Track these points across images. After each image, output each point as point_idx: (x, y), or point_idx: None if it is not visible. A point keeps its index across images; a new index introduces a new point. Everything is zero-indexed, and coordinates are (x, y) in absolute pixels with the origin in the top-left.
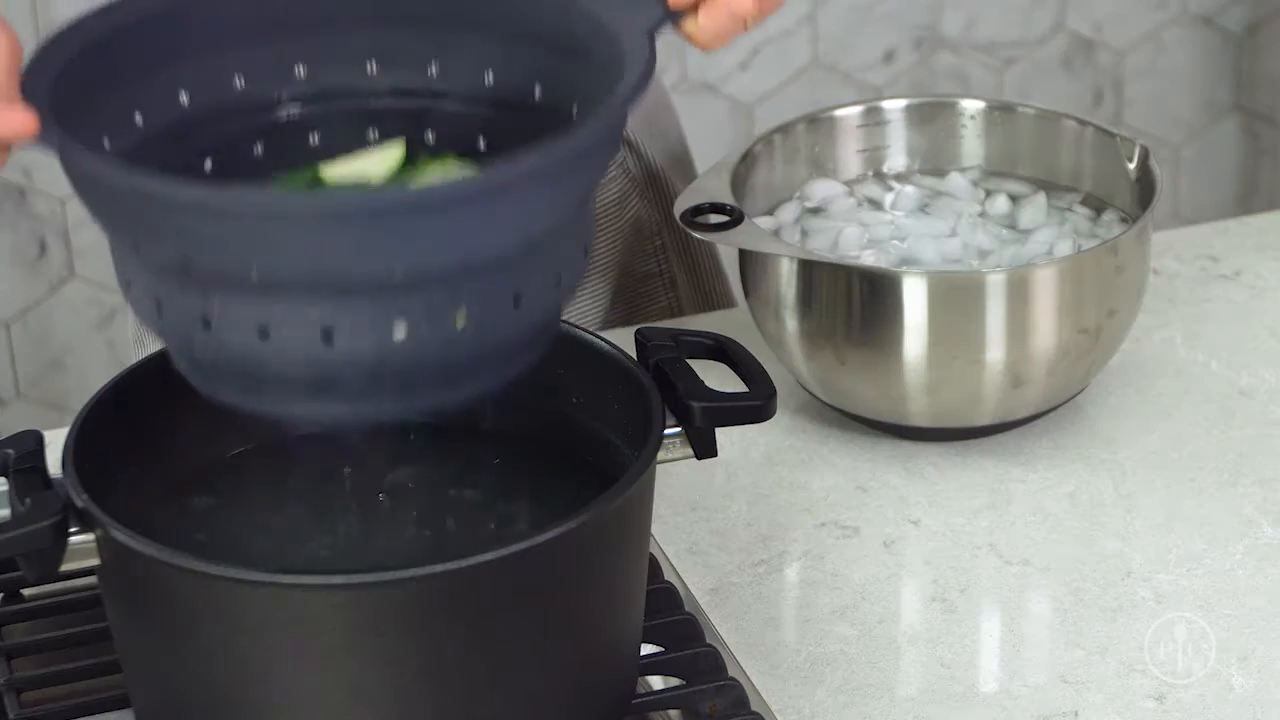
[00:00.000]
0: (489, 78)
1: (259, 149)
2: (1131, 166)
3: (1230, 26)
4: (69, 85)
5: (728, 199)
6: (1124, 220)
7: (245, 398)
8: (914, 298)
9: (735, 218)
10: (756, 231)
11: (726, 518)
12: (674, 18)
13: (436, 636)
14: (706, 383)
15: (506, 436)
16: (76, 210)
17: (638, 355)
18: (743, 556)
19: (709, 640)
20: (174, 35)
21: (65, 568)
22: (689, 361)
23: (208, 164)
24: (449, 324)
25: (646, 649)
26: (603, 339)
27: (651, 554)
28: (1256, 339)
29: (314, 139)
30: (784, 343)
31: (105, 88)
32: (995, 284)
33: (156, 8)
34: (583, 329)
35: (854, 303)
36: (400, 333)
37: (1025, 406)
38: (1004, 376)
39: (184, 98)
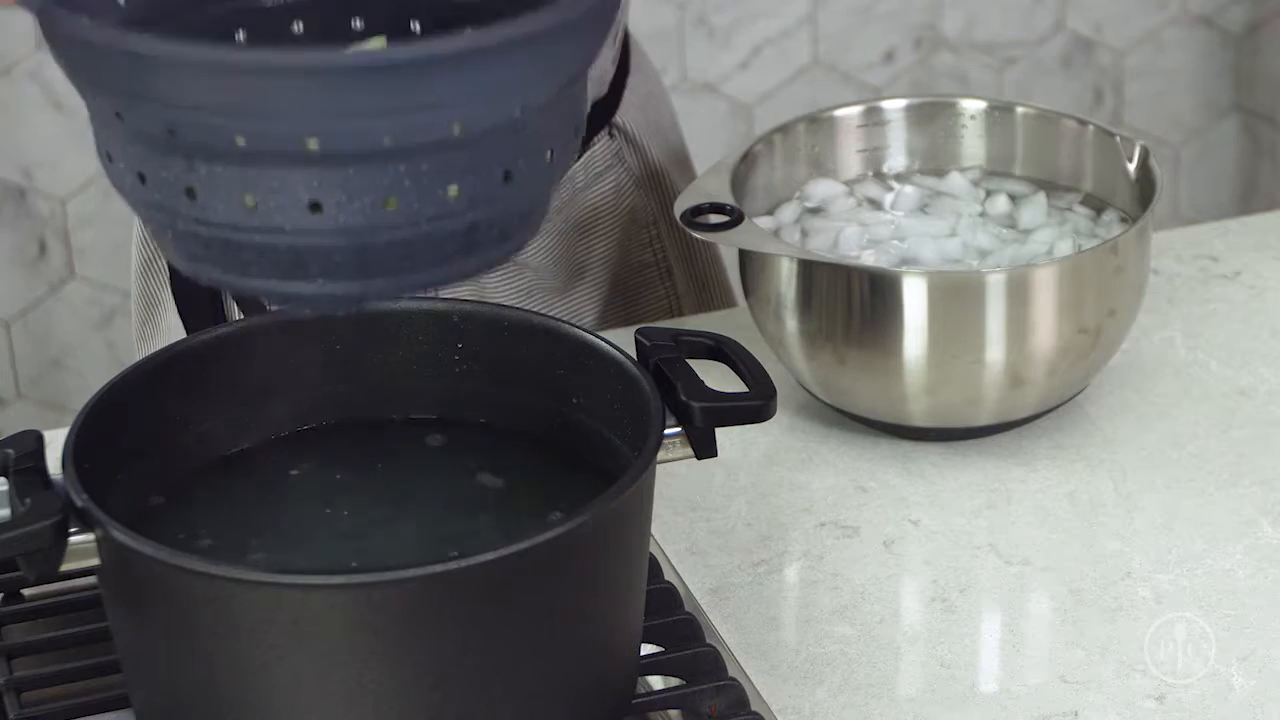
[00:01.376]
0: None
1: (240, 35)
2: (1131, 166)
3: (1230, 26)
4: None
5: (728, 199)
6: (1124, 220)
7: (228, 275)
8: (914, 298)
9: (735, 218)
10: (756, 231)
11: (726, 518)
12: None
13: (436, 636)
14: (706, 383)
15: (506, 436)
16: (76, 210)
17: (638, 355)
18: (743, 556)
19: (709, 640)
20: None
21: (65, 568)
22: (689, 361)
23: None
24: (439, 197)
25: (646, 649)
26: (603, 339)
27: (651, 554)
28: (1256, 339)
29: (297, 27)
30: (784, 343)
31: None
32: (995, 284)
33: None
34: (583, 329)
35: (854, 303)
36: (390, 204)
37: (1025, 406)
38: (1004, 376)
39: None
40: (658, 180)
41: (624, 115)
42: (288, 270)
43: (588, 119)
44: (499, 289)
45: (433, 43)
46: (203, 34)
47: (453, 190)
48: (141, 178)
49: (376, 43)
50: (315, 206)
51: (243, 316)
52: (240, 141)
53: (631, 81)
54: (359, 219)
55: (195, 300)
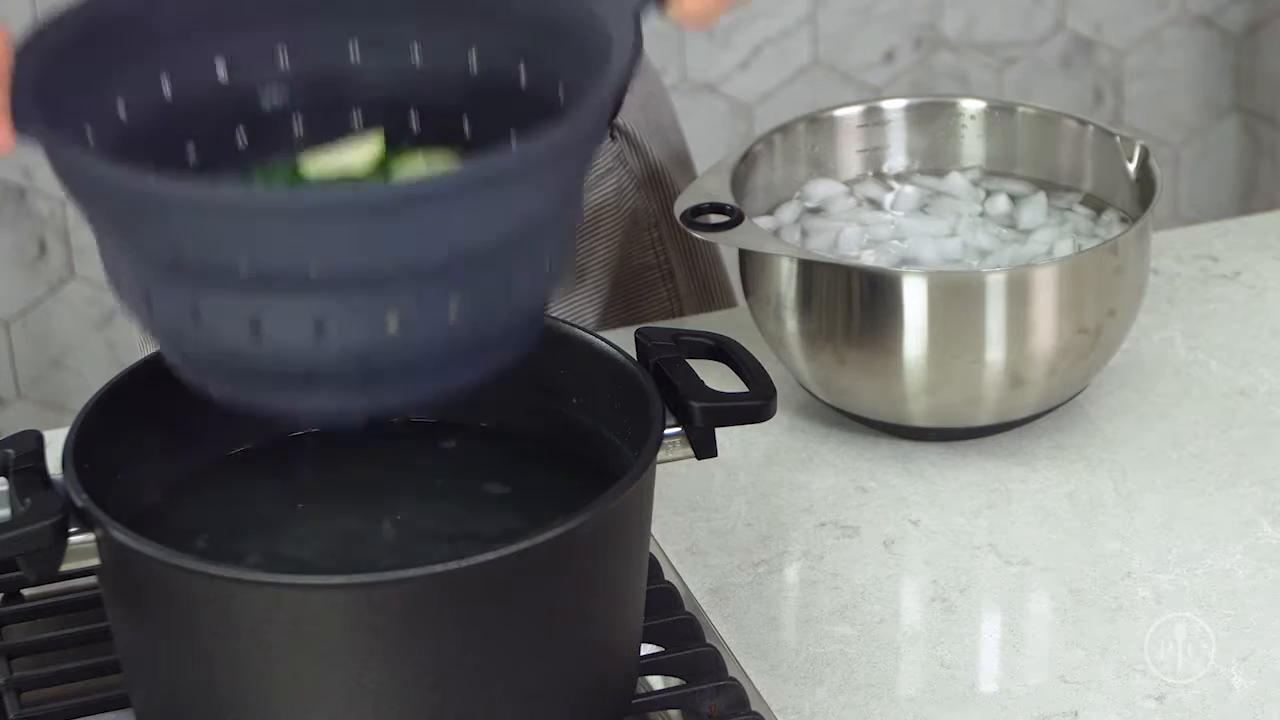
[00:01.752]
0: (472, 61)
1: (242, 136)
2: (1131, 166)
3: (1230, 26)
4: (50, 77)
5: (728, 199)
6: (1124, 220)
7: (237, 391)
8: (914, 298)
9: (735, 218)
10: (756, 231)
11: (726, 518)
12: None
13: (436, 636)
14: (706, 383)
15: (506, 436)
16: (76, 210)
17: (638, 355)
18: (743, 556)
19: (709, 640)
20: (153, 23)
21: (65, 568)
22: (689, 361)
23: (191, 152)
24: (441, 314)
25: (646, 649)
26: (603, 339)
27: (651, 554)
28: (1256, 339)
29: (298, 126)
30: (784, 343)
31: (87, 77)
32: (995, 284)
33: None
34: (583, 329)
35: (854, 303)
36: (392, 325)
37: (1025, 406)
38: (1004, 376)
39: (166, 86)
40: (659, 181)
41: (625, 116)
42: (294, 387)
43: None
44: None
45: (431, 180)
46: (203, 138)
47: (453, 307)
48: (148, 301)
49: (372, 143)
50: (319, 329)
51: None
52: (243, 271)
53: (631, 83)
54: (362, 339)
55: None
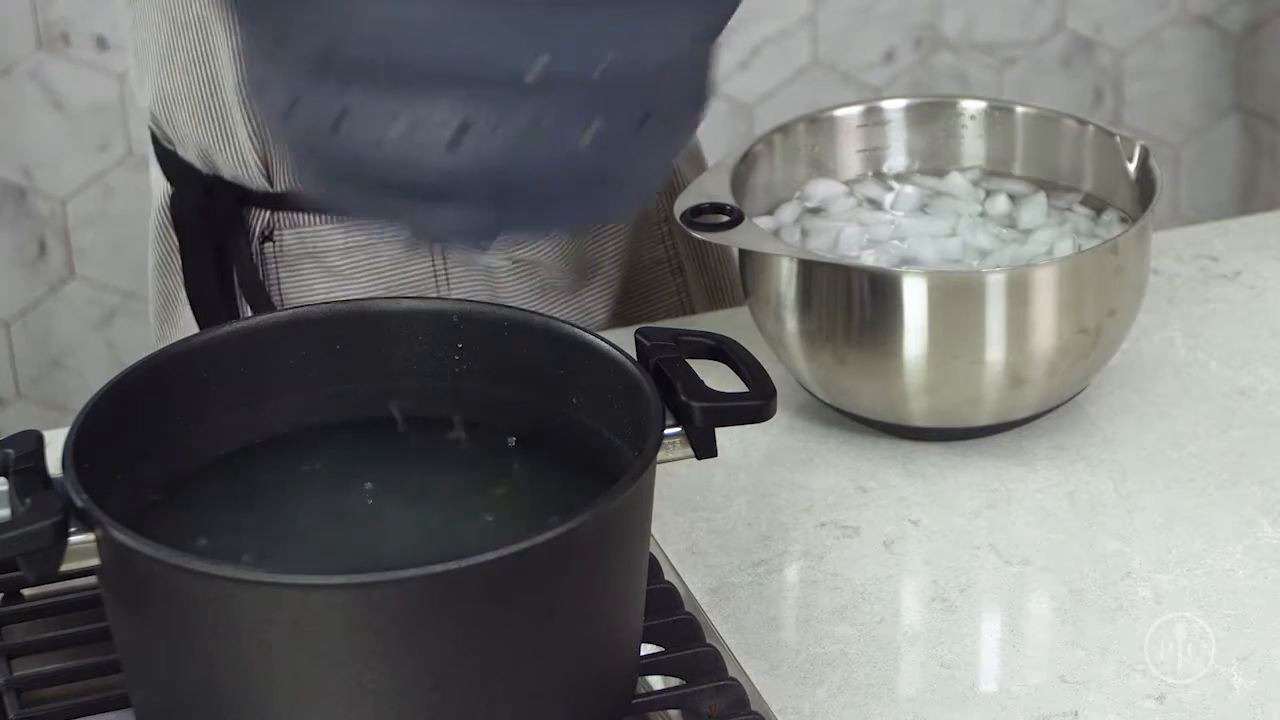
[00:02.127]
0: None
1: None
2: (1131, 166)
3: (1230, 26)
4: None
5: (728, 199)
6: (1124, 220)
7: (365, 200)
8: (914, 298)
9: (735, 218)
10: (756, 231)
11: (726, 518)
12: None
13: (436, 636)
14: (706, 383)
15: (506, 436)
16: (76, 210)
17: (638, 355)
18: (743, 556)
19: (709, 640)
20: None
21: (65, 568)
22: (689, 361)
23: None
24: (577, 135)
25: (646, 649)
26: (603, 339)
27: (651, 554)
28: (1256, 339)
29: None
30: (784, 343)
31: None
32: (995, 284)
33: None
34: (583, 329)
35: (854, 303)
36: (531, 135)
37: (1025, 406)
38: (1004, 376)
39: None
40: (670, 176)
41: None
42: (423, 196)
43: None
44: (512, 288)
45: None
46: None
47: (591, 130)
48: (292, 105)
49: None
50: (461, 130)
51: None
52: (394, 65)
53: None
54: (499, 147)
55: (209, 301)
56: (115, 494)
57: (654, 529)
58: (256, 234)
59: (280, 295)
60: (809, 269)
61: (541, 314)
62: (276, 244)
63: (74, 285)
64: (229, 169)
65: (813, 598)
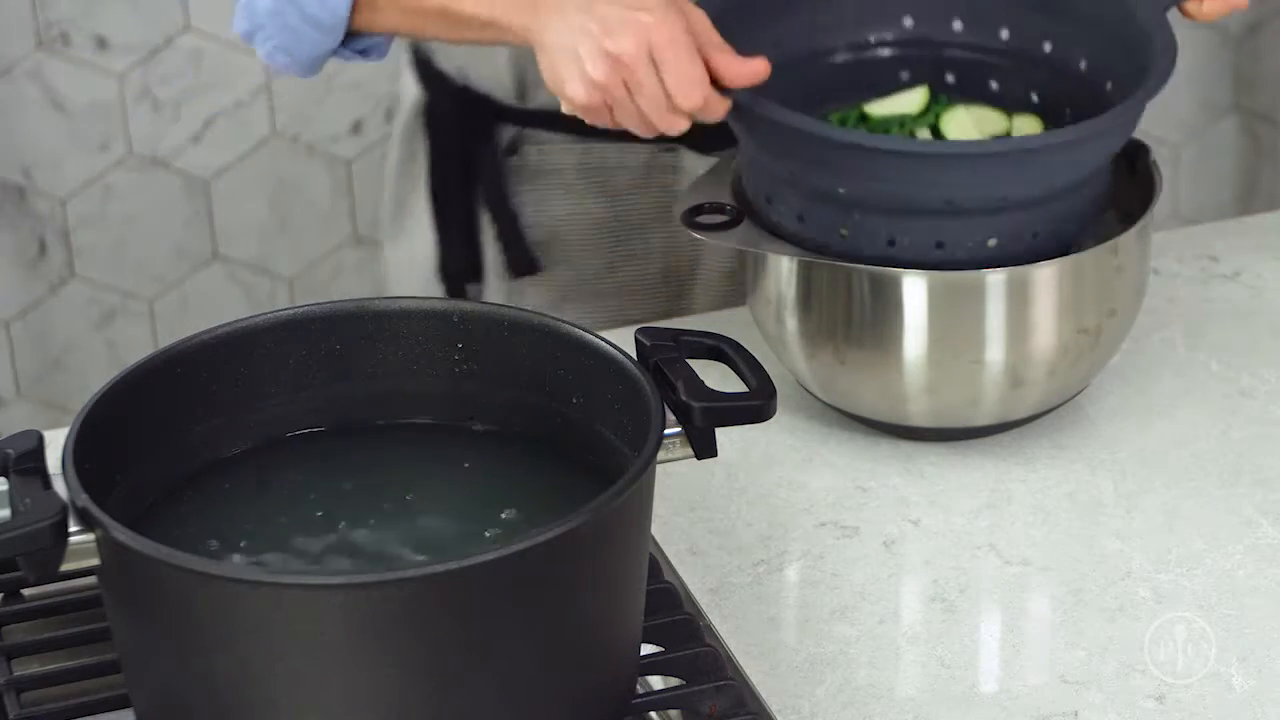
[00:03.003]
0: (1004, 34)
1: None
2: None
3: (1230, 26)
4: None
5: (728, 199)
6: (1124, 220)
7: None
8: (914, 298)
9: (735, 218)
10: (757, 231)
11: (726, 518)
12: None
13: (436, 636)
14: (706, 383)
15: (507, 436)
16: (76, 210)
17: (638, 355)
18: (743, 556)
19: (709, 640)
20: None
21: (65, 568)
22: (689, 361)
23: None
24: (1027, 241)
25: (646, 649)
26: (603, 339)
27: (651, 554)
28: (1256, 339)
29: (904, 74)
30: (784, 343)
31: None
32: (995, 284)
33: None
34: (583, 329)
35: (854, 303)
36: (990, 245)
37: (1025, 406)
38: (1004, 376)
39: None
40: None
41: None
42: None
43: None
44: (537, 290)
45: (1041, 137)
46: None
47: (990, 243)
48: (801, 218)
49: (919, 94)
50: (939, 245)
51: (496, 228)
52: (889, 200)
53: None
54: (965, 255)
55: (450, 202)
56: (115, 494)
57: (654, 529)
58: (503, 146)
59: (519, 206)
60: (809, 269)
61: (541, 314)
62: (521, 158)
63: (74, 285)
64: (484, 84)
65: (813, 598)
